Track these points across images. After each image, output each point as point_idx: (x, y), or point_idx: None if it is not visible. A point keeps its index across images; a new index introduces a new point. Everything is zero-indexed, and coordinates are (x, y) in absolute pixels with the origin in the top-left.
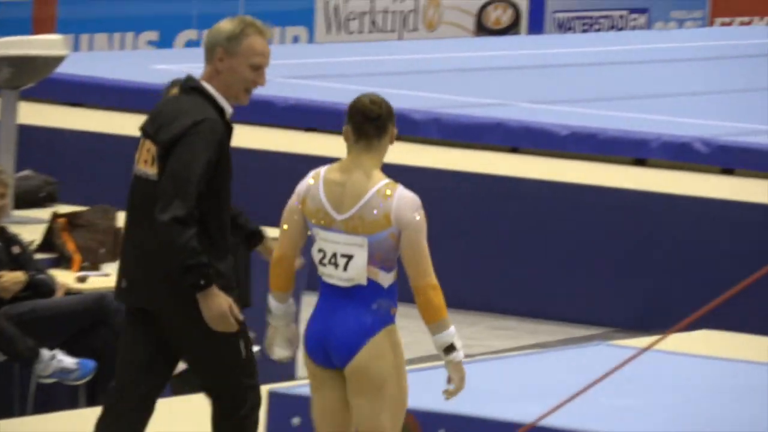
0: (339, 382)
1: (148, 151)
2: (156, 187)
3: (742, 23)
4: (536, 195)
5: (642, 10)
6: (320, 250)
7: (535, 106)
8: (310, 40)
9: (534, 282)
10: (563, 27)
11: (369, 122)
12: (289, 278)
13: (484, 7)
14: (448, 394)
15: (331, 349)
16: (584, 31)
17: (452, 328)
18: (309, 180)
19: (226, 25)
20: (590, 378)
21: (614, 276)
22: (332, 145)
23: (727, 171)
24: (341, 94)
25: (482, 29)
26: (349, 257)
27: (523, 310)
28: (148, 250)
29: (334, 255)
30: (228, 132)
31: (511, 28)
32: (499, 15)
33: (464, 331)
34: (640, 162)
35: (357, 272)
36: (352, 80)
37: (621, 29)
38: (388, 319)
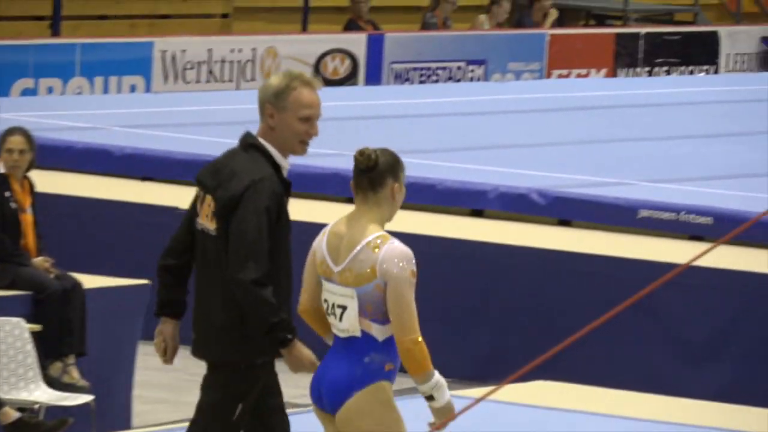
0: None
1: (209, 206)
2: (215, 243)
3: (579, 75)
4: None
5: (479, 62)
6: (324, 301)
7: None
8: (147, 89)
9: None
10: (401, 78)
11: (361, 175)
12: (324, 322)
13: (321, 57)
14: (431, 427)
15: (323, 395)
16: (421, 82)
17: (432, 380)
18: (321, 233)
19: (273, 81)
20: (425, 428)
21: (452, 326)
22: (167, 194)
23: (564, 222)
24: (177, 143)
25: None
26: (344, 308)
27: None
28: (209, 304)
29: (333, 306)
30: (286, 188)
31: (349, 79)
32: (337, 65)
33: None
34: (477, 213)
35: (350, 323)
36: (188, 129)
37: (458, 80)
38: (379, 375)
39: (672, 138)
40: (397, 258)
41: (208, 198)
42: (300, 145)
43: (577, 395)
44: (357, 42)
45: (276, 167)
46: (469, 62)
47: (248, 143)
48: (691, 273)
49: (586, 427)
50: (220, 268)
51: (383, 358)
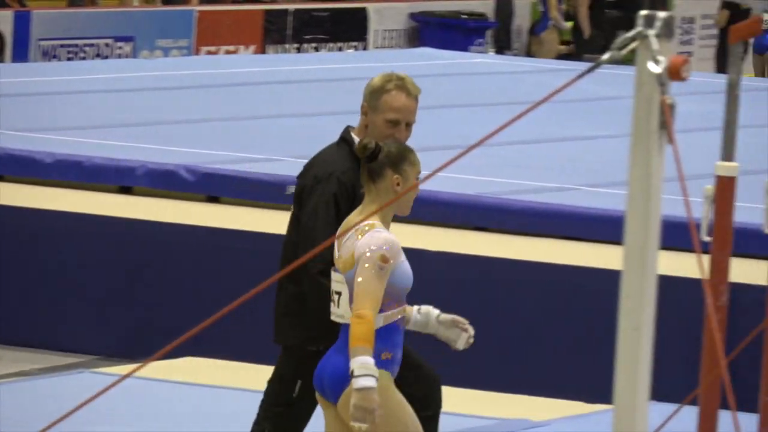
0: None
1: (296, 192)
2: (293, 226)
3: (228, 52)
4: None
5: (127, 39)
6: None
7: (20, 134)
8: None
9: (23, 309)
10: (48, 55)
11: (363, 166)
12: None
13: None
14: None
15: (325, 385)
16: (69, 59)
17: (359, 359)
18: None
19: (375, 80)
20: (72, 406)
21: (98, 303)
22: None
23: (213, 198)
24: None
25: None
26: (339, 294)
27: (5, 338)
28: (284, 288)
29: (333, 292)
30: None
31: None
32: None
33: None
34: (125, 190)
35: (344, 310)
36: None
37: (106, 57)
38: (377, 363)
39: (321, 114)
40: (373, 244)
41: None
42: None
43: (225, 371)
44: (3, 19)
45: (358, 161)
46: (117, 39)
47: (341, 136)
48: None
49: (233, 402)
50: (290, 252)
51: (379, 346)
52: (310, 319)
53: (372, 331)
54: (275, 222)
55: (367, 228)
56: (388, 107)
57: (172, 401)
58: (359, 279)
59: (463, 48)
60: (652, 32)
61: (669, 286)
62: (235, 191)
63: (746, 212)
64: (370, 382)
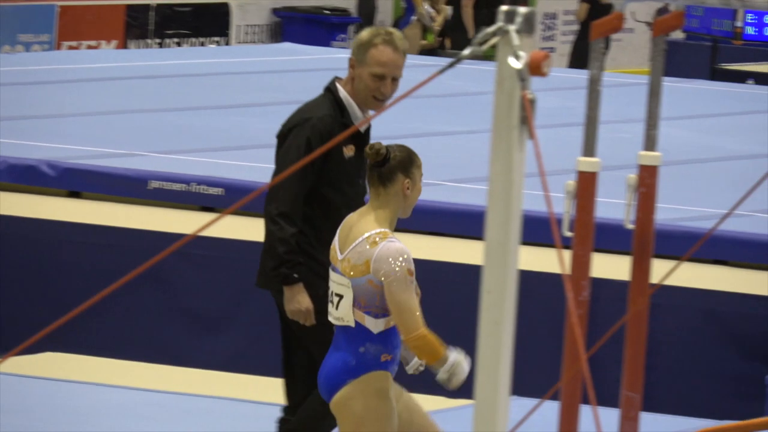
0: None
1: None
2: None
3: (90, 47)
4: None
5: None
6: (328, 288)
7: None
8: None
9: None
10: None
11: (372, 169)
12: None
13: None
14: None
15: (322, 384)
16: None
17: (448, 363)
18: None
19: (363, 34)
20: None
21: None
22: None
23: (74, 194)
24: None
25: None
26: (340, 297)
27: None
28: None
29: (332, 293)
30: (355, 134)
31: None
32: None
33: None
34: None
35: (344, 312)
36: None
37: None
38: (375, 365)
39: (183, 109)
40: (391, 257)
41: None
42: (372, 100)
43: (85, 366)
44: None
45: (343, 111)
46: None
47: (326, 87)
48: (201, 243)
49: (91, 397)
50: None
51: (379, 348)
52: (263, 262)
53: (435, 341)
54: (137, 217)
55: (378, 238)
56: (375, 61)
57: (30, 397)
58: (398, 301)
59: (326, 43)
60: (512, 28)
61: (531, 281)
62: (97, 186)
63: (608, 208)
64: (461, 376)
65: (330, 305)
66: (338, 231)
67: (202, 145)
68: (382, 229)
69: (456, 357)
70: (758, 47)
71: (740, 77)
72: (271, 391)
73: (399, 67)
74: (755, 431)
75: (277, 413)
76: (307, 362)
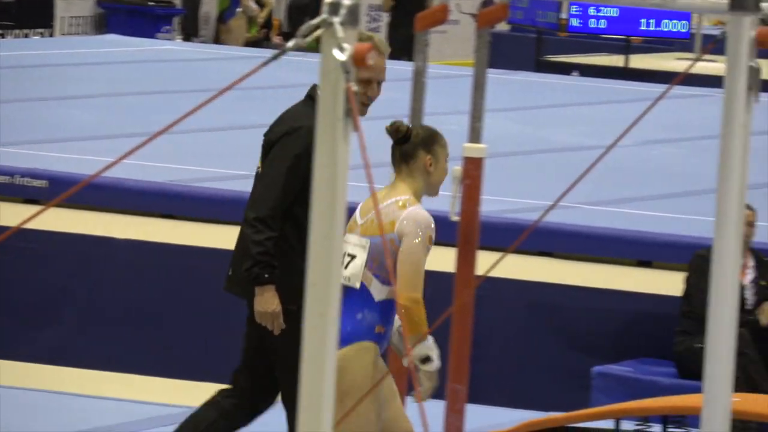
0: None
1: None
2: (256, 183)
3: None
4: None
5: None
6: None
7: None
8: None
9: None
10: None
11: (395, 147)
12: None
13: None
14: (420, 396)
15: None
16: None
17: (429, 341)
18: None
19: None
20: None
21: None
22: None
23: None
24: None
25: None
26: (353, 257)
27: None
28: (242, 240)
29: (344, 255)
30: None
31: None
32: None
33: None
34: None
35: (353, 272)
36: None
37: None
38: (368, 336)
39: (7, 101)
40: (419, 220)
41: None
42: (359, 105)
43: None
44: None
45: None
46: None
47: (308, 94)
48: (25, 236)
49: None
50: None
51: (375, 318)
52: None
53: (424, 315)
54: None
55: (408, 203)
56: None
57: None
58: (412, 258)
59: (151, 35)
60: (336, 20)
61: None
62: None
63: (434, 199)
64: (438, 362)
65: (342, 267)
66: (360, 206)
67: (26, 137)
68: (409, 197)
69: (433, 342)
70: (583, 39)
71: (565, 69)
72: (92, 383)
73: (383, 70)
74: (581, 422)
75: (96, 405)
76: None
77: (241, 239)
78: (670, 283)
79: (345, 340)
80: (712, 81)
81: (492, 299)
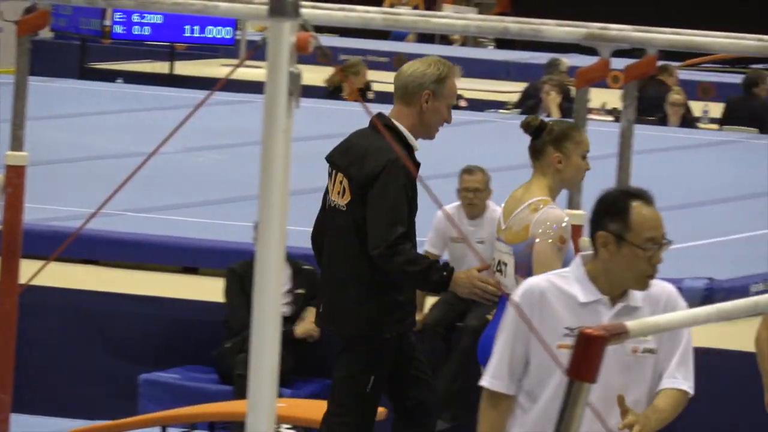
0: None
1: (339, 182)
2: (345, 218)
3: None
4: None
5: None
6: (493, 258)
7: None
8: None
9: None
10: None
11: (530, 142)
12: None
13: None
14: None
15: (480, 352)
16: None
17: None
18: None
19: (427, 69)
20: None
21: None
22: None
23: None
24: None
25: None
26: (505, 265)
27: None
28: (340, 278)
29: (499, 263)
30: (417, 169)
31: None
32: None
33: None
34: None
35: (509, 280)
36: None
37: None
38: None
39: None
40: (550, 221)
41: (339, 176)
42: (437, 131)
43: None
44: None
45: (408, 148)
46: None
47: (383, 123)
48: None
49: None
50: (349, 242)
51: None
52: (390, 303)
53: None
54: None
55: (540, 205)
56: (453, 93)
57: None
58: (541, 260)
59: None
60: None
61: None
62: None
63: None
64: None
65: (499, 275)
66: (504, 204)
67: None
68: (543, 197)
69: None
70: (127, 46)
71: (110, 76)
72: None
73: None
74: (127, 430)
75: None
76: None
77: (338, 277)
78: (215, 289)
79: None
80: (257, 87)
81: (37, 307)
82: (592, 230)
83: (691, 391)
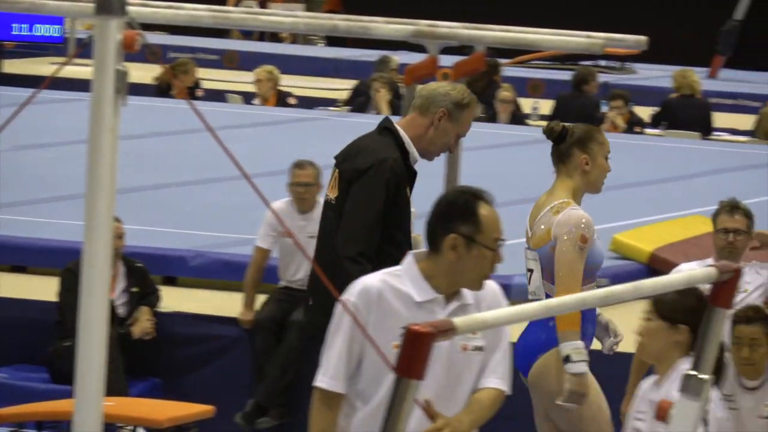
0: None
1: (334, 178)
2: (334, 210)
3: None
4: None
5: None
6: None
7: None
8: None
9: None
10: None
11: (553, 146)
12: None
13: None
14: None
15: (517, 359)
16: None
17: (574, 342)
18: None
19: (452, 90)
20: None
21: None
22: None
23: None
24: None
25: None
26: (531, 271)
27: None
28: (329, 270)
29: (526, 270)
30: (410, 176)
31: None
32: None
33: None
34: None
35: (535, 286)
36: None
37: None
38: None
39: None
40: (571, 223)
41: (336, 171)
42: (437, 154)
43: None
44: None
45: (404, 153)
46: None
47: (383, 126)
48: None
49: None
50: (336, 235)
51: None
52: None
53: (579, 315)
54: None
55: (563, 205)
56: (467, 123)
57: None
58: (562, 259)
59: None
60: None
61: None
62: None
63: None
64: (584, 368)
65: (527, 282)
66: (531, 211)
67: None
68: (565, 199)
69: (582, 347)
70: None
71: None
72: None
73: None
74: None
75: None
76: None
77: (329, 269)
78: (45, 288)
79: (544, 347)
80: (85, 85)
81: None
82: (438, 232)
83: (508, 390)
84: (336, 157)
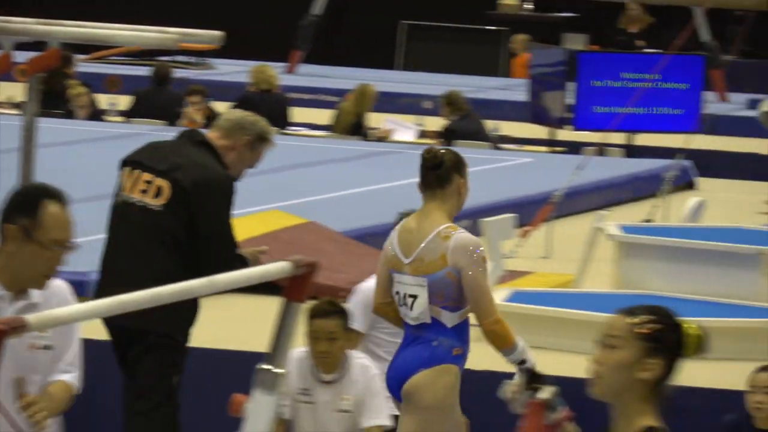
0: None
1: (147, 182)
2: (158, 218)
3: None
4: None
5: None
6: (396, 293)
7: None
8: None
9: None
10: None
11: (429, 172)
12: (398, 315)
13: None
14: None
15: (390, 379)
16: None
17: (519, 346)
18: (392, 232)
19: (261, 122)
20: None
21: None
22: None
23: None
24: None
25: None
26: (414, 297)
27: None
28: (138, 275)
29: (405, 296)
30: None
31: None
32: None
33: None
34: None
35: (420, 311)
36: None
37: None
38: (447, 358)
39: None
40: (470, 247)
41: (146, 176)
42: (243, 174)
43: None
44: None
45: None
46: None
47: (199, 140)
48: None
49: None
50: (159, 240)
51: (452, 342)
52: (192, 311)
53: (508, 327)
54: None
55: (449, 230)
56: (263, 155)
57: None
58: (476, 287)
59: None
60: None
61: None
62: None
63: None
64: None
65: (404, 308)
66: (395, 237)
67: None
68: (449, 224)
69: (523, 342)
70: None
71: None
72: None
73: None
74: None
75: None
76: None
77: (133, 270)
78: None
79: (426, 364)
80: None
81: None
82: (2, 224)
83: (78, 388)
84: (139, 161)
